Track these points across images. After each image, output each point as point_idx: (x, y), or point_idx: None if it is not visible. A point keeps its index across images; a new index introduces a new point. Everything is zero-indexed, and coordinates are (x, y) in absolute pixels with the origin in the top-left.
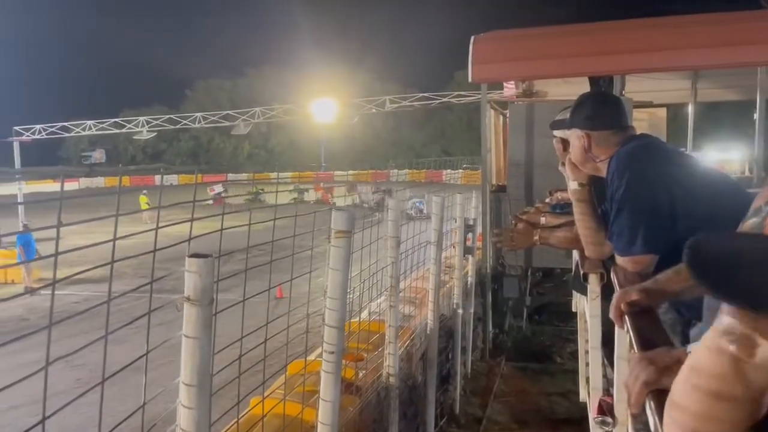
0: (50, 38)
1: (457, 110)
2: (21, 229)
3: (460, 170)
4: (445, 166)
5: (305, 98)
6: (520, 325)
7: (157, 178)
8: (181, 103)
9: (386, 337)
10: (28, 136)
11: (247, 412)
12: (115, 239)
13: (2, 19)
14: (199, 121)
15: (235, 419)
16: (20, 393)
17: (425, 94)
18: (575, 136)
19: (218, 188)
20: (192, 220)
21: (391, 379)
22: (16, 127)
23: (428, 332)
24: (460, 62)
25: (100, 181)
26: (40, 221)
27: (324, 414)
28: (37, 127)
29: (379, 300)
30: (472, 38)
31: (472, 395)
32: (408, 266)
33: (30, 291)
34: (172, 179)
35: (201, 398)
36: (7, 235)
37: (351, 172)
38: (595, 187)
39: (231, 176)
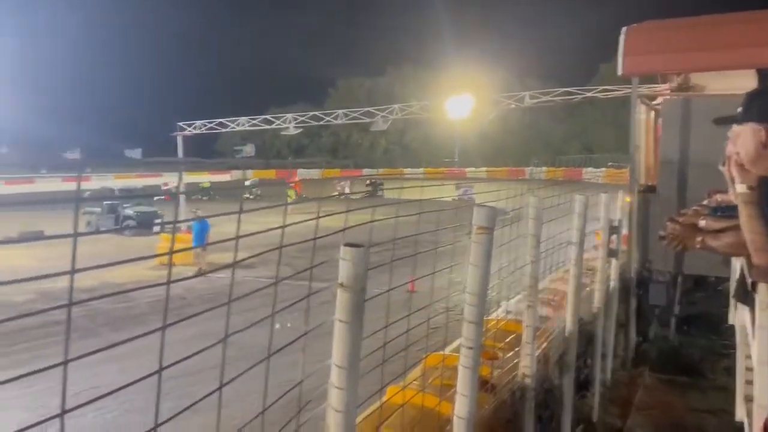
0: (211, 41)
1: (601, 105)
2: (193, 216)
3: (603, 168)
4: (586, 164)
5: (442, 95)
6: (667, 335)
7: (300, 171)
8: (324, 100)
9: (523, 337)
10: (189, 130)
11: (386, 401)
12: (284, 226)
13: (174, 27)
14: (341, 118)
15: (378, 404)
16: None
17: (568, 89)
18: (750, 132)
19: (344, 183)
20: (347, 211)
21: (527, 380)
22: (179, 123)
23: (566, 335)
24: (606, 55)
25: (248, 174)
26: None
27: (461, 408)
28: (198, 122)
29: (513, 300)
30: (624, 29)
31: (612, 404)
32: (543, 267)
33: (202, 273)
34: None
35: (350, 380)
36: (187, 221)
37: (484, 168)
38: (766, 188)
39: (366, 171)
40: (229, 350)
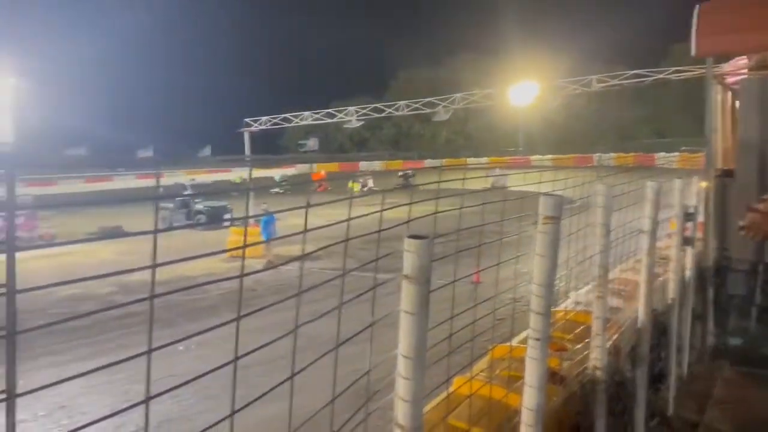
0: (274, 38)
1: (674, 87)
2: (261, 210)
3: (676, 153)
4: (658, 149)
5: (505, 82)
6: (747, 326)
7: (362, 164)
8: (385, 92)
9: (593, 328)
10: (255, 127)
11: (453, 391)
12: (348, 219)
13: (238, 27)
14: (402, 109)
15: (445, 394)
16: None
17: (637, 71)
18: None
19: (366, 179)
20: (411, 203)
21: (598, 373)
22: (246, 120)
23: (639, 327)
24: (679, 34)
25: (313, 168)
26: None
27: (529, 400)
28: (263, 118)
29: (582, 290)
30: (698, 7)
31: (688, 398)
32: (613, 257)
33: (273, 265)
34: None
35: (417, 370)
36: (257, 216)
37: (550, 156)
38: None
39: (428, 162)
40: (297, 340)
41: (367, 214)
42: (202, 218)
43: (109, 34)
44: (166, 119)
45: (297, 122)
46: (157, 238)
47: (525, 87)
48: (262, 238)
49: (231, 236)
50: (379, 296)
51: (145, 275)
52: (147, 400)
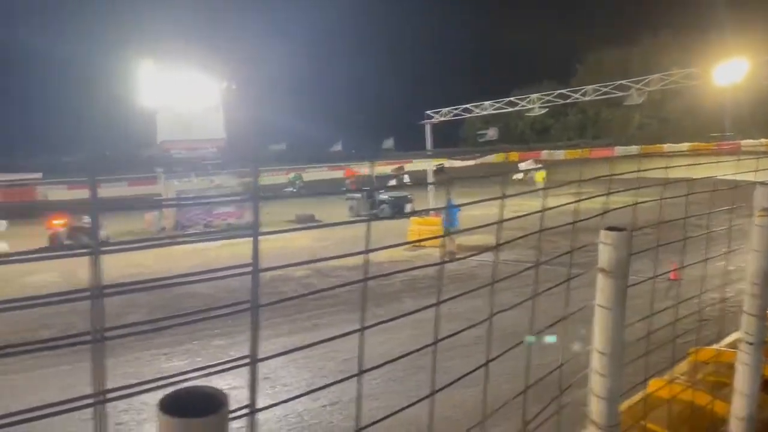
0: (454, 28)
1: None
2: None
3: None
4: None
5: (708, 60)
6: None
7: (543, 153)
8: (571, 77)
9: None
10: (437, 118)
11: (650, 393)
12: (543, 210)
13: (419, 20)
14: (589, 94)
15: (641, 395)
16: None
17: None
18: None
19: (526, 165)
20: (608, 193)
21: None
22: (427, 111)
23: None
24: None
25: (491, 158)
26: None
27: (739, 409)
28: (444, 110)
29: None
30: None
31: None
32: None
33: (452, 259)
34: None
35: (614, 367)
36: (440, 209)
37: (764, 140)
38: None
39: (619, 150)
40: (480, 330)
41: (559, 206)
42: (386, 208)
43: (302, 36)
44: (353, 114)
45: (477, 112)
46: (370, 226)
47: (733, 64)
48: (445, 228)
49: (411, 225)
50: (564, 290)
51: (334, 261)
52: (360, 373)
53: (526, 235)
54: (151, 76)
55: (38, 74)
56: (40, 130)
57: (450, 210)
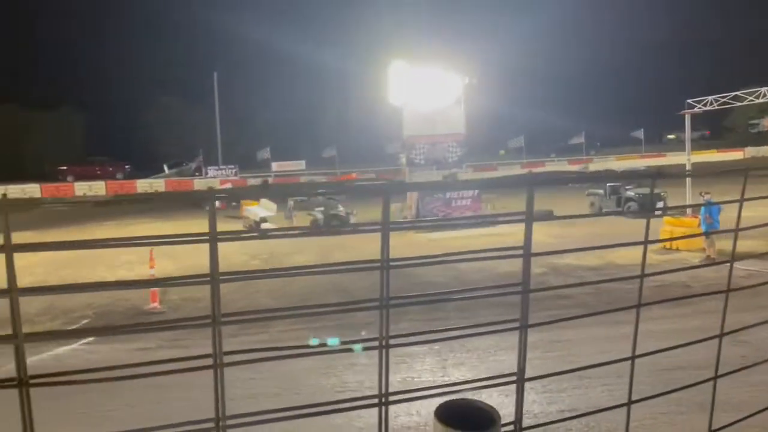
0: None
1: None
2: (701, 199)
3: None
4: None
5: None
6: None
7: None
8: None
9: None
10: (699, 108)
11: None
12: None
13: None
14: None
15: None
16: (682, 356)
17: None
18: None
19: None
20: None
21: None
22: (688, 101)
23: None
24: None
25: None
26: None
27: None
28: (709, 98)
29: None
30: None
31: None
32: None
33: (709, 263)
34: None
35: None
36: (696, 205)
37: None
38: None
39: None
40: (738, 348)
41: None
42: (633, 205)
43: (540, 25)
44: (598, 104)
45: (751, 100)
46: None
47: None
48: (702, 230)
49: (664, 226)
50: None
51: (571, 260)
52: (632, 357)
53: None
54: (401, 75)
55: (308, 79)
56: (303, 127)
57: (709, 209)
